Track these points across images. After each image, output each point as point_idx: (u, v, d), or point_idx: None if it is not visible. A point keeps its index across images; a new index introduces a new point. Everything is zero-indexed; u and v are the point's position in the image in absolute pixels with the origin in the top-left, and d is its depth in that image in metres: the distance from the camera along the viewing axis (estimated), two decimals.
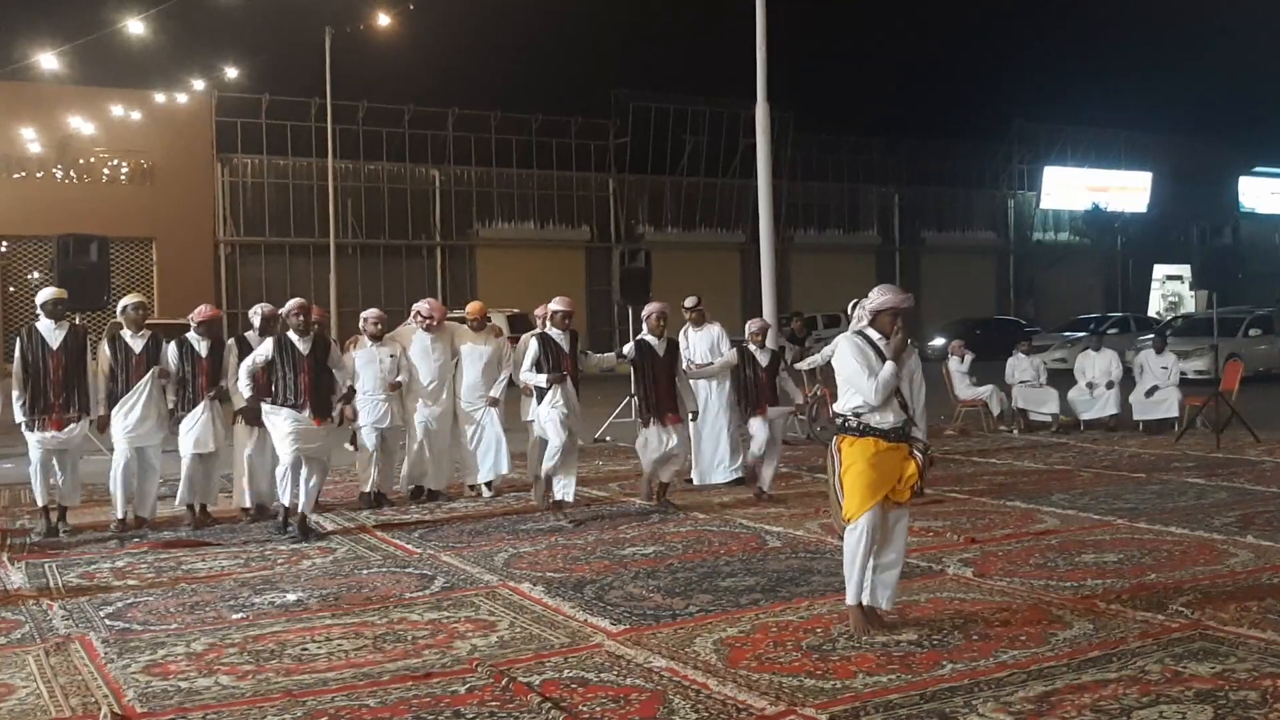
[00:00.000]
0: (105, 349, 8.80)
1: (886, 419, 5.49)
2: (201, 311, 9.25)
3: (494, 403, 10.08)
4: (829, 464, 5.67)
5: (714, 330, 10.92)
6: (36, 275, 28.43)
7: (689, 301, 11.03)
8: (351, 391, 8.93)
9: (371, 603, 6.36)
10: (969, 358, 15.57)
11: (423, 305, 10.20)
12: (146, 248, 31.34)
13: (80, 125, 28.73)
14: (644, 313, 9.64)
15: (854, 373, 5.48)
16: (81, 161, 30.51)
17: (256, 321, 9.33)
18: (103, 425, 8.78)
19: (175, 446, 9.09)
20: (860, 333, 5.60)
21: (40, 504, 8.72)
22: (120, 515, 8.78)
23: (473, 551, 7.75)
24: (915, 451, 5.49)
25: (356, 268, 33.58)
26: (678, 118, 39.61)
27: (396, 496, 9.98)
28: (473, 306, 10.45)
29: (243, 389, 8.52)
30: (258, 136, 33.80)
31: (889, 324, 5.54)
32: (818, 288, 37.59)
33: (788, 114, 36.23)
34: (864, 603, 5.51)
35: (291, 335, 8.50)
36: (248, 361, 8.49)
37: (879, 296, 5.59)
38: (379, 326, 9.92)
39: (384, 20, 22.95)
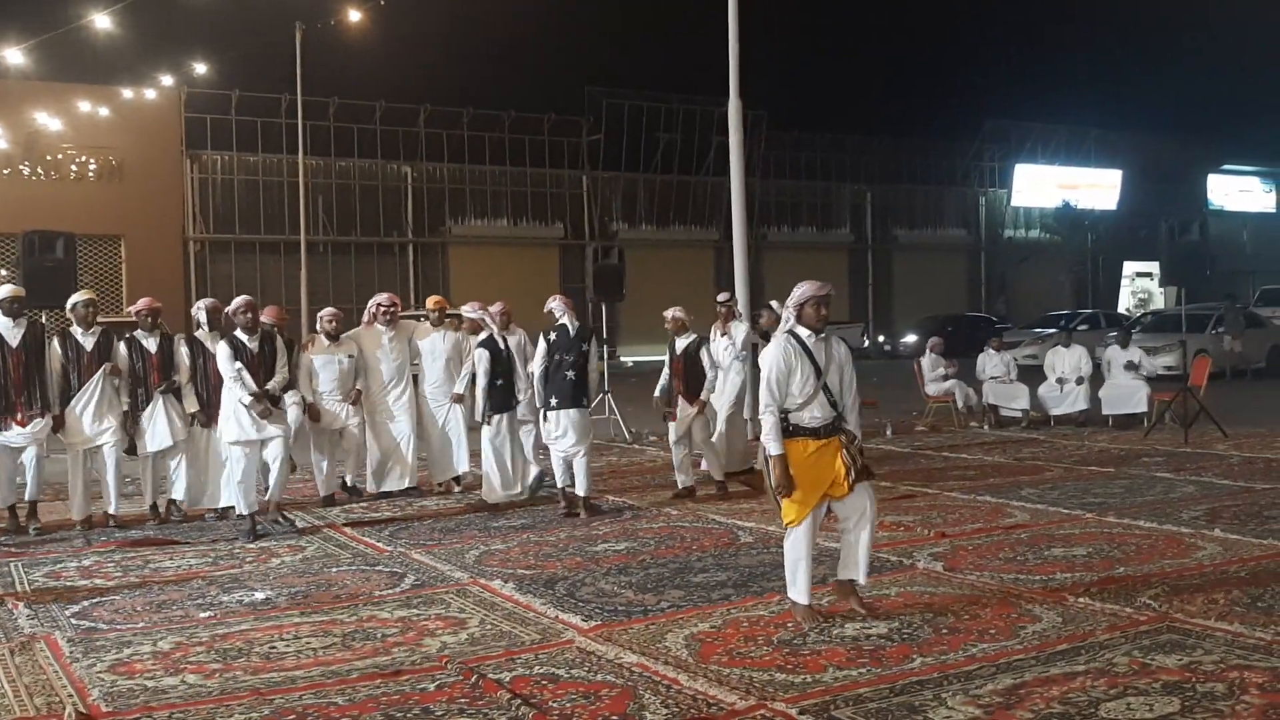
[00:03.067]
0: (56, 347, 8.71)
1: (815, 416, 5.57)
2: (141, 303, 9.16)
3: (459, 399, 10.05)
4: (763, 468, 5.75)
5: (742, 328, 10.86)
6: (4, 272, 28.11)
7: (722, 296, 11.09)
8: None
9: (341, 600, 6.32)
10: (942, 364, 15.57)
11: (381, 297, 10.21)
12: (115, 245, 31.05)
13: (47, 121, 28.35)
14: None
15: (766, 379, 5.57)
16: (49, 158, 30.17)
17: (203, 318, 9.19)
18: (57, 424, 8.68)
19: (133, 447, 9.01)
20: (790, 332, 5.66)
21: (5, 504, 8.63)
22: (79, 516, 8.70)
23: (443, 549, 7.72)
24: (843, 447, 5.53)
25: (328, 265, 33.41)
26: (651, 115, 39.63)
27: (367, 495, 9.93)
28: (432, 300, 10.49)
29: (242, 394, 8.29)
30: (227, 133, 33.57)
31: (813, 315, 5.63)
32: (791, 285, 36.83)
33: (761, 112, 36.29)
34: (816, 599, 5.65)
35: (240, 334, 8.43)
36: (233, 369, 8.27)
37: (798, 290, 5.70)
38: (335, 325, 9.85)
39: (355, 16, 22.73)
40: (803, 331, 5.64)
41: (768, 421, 5.52)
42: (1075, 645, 5.07)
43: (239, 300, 8.62)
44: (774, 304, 10.40)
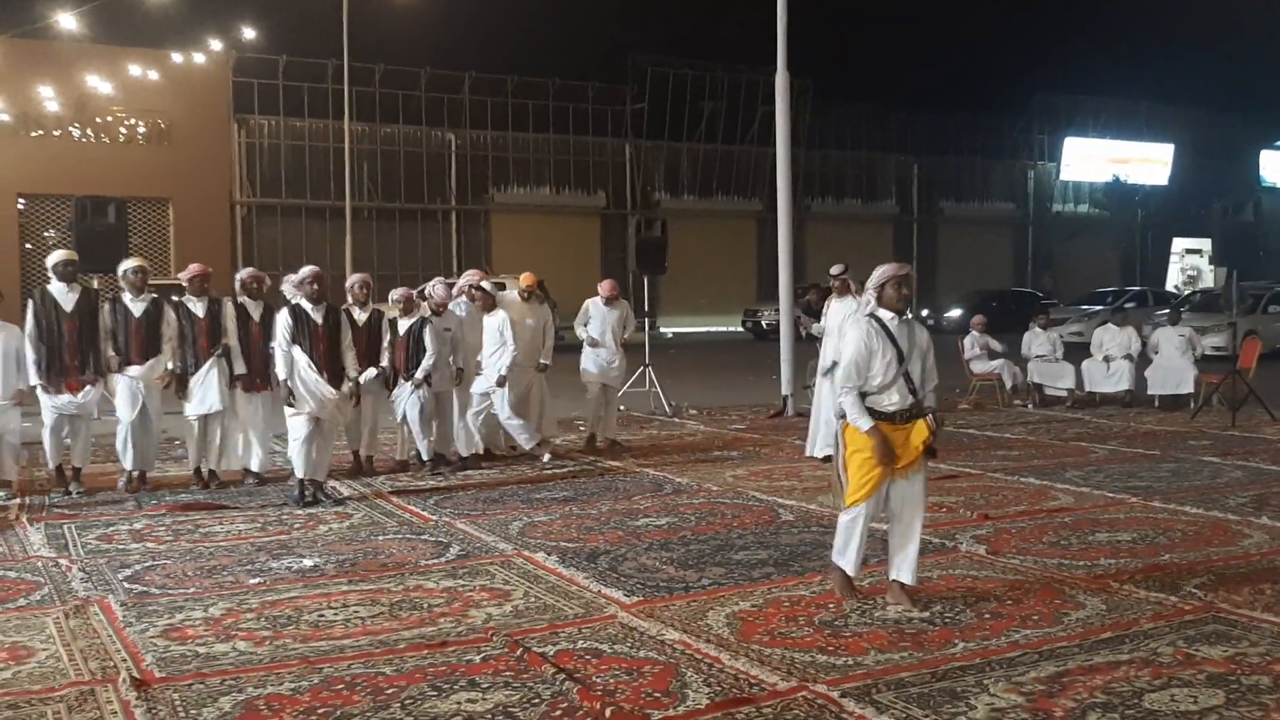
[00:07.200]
0: (106, 312, 8.82)
1: (893, 401, 5.51)
2: (191, 269, 9.26)
3: (543, 369, 10.46)
4: (835, 446, 5.75)
5: (850, 302, 10.73)
6: (52, 234, 28.55)
7: (835, 269, 10.85)
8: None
9: (387, 569, 6.40)
10: (987, 341, 15.43)
11: (473, 273, 10.89)
12: (163, 208, 31.38)
13: (98, 84, 28.71)
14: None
15: (848, 360, 5.54)
16: (99, 121, 30.49)
17: (237, 286, 9.34)
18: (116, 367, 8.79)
19: (178, 409, 9.15)
20: (872, 314, 5.62)
21: (53, 464, 8.83)
22: (130, 468, 8.92)
23: (487, 519, 7.79)
24: (928, 431, 5.48)
25: (372, 231, 33.55)
26: (696, 83, 39.38)
27: (455, 458, 10.04)
28: (525, 277, 10.86)
29: (281, 368, 8.45)
30: (275, 98, 33.73)
31: (894, 295, 5.57)
32: (834, 257, 36.99)
33: (807, 81, 35.93)
34: (876, 576, 5.62)
35: (304, 304, 8.52)
36: (283, 341, 8.41)
37: (878, 272, 5.65)
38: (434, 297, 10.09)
39: None
40: (884, 314, 5.58)
41: (849, 400, 5.49)
42: (1119, 634, 5.05)
43: (306, 270, 8.73)
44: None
